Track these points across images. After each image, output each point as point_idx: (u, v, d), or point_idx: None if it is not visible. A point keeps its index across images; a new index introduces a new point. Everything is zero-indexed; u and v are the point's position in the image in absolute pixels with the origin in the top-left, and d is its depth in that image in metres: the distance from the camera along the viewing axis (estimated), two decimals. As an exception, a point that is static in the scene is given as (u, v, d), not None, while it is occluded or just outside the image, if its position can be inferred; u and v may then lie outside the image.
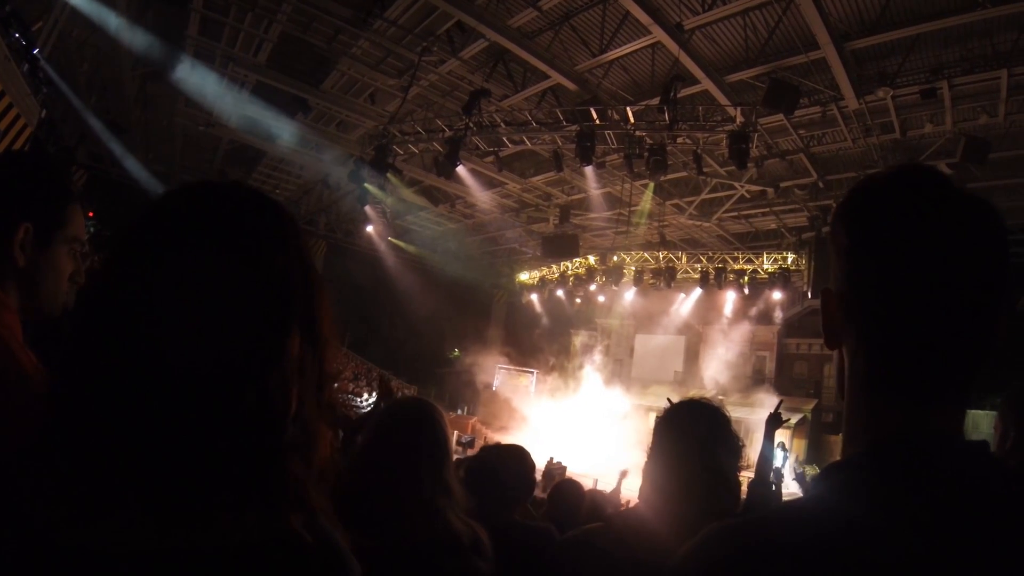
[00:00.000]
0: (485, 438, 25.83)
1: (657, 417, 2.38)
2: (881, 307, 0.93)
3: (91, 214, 17.09)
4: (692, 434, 2.25)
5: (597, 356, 34.99)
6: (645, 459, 2.34)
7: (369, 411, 7.15)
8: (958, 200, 0.95)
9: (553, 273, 28.23)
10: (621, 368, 33.80)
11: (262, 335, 0.94)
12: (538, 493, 7.53)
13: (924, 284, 0.91)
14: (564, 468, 15.72)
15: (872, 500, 0.86)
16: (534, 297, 31.20)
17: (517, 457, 3.52)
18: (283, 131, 18.84)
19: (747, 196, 20.19)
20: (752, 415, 22.94)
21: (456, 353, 36.06)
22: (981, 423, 16.86)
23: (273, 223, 1.02)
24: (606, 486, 12.88)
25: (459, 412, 32.32)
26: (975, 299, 0.92)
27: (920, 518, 0.82)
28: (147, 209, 0.99)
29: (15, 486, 0.87)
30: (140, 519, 0.85)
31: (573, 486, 5.48)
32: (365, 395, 25.66)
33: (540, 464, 17.58)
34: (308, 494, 0.97)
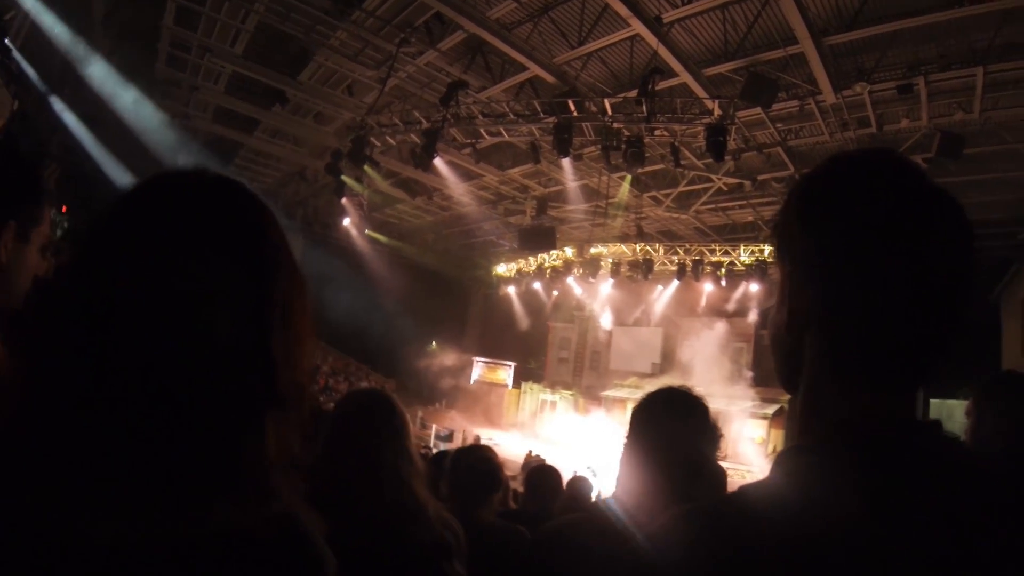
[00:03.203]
0: (464, 431, 25.88)
1: (634, 407, 2.38)
2: (842, 295, 0.93)
3: (64, 209, 16.93)
4: (669, 423, 2.25)
5: (574, 349, 35.17)
6: (622, 448, 2.34)
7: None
8: (921, 185, 0.95)
9: (530, 266, 28.20)
10: (599, 360, 33.90)
11: (233, 324, 0.93)
12: (517, 486, 7.54)
13: (889, 273, 0.91)
14: (543, 460, 15.78)
15: (829, 481, 0.87)
16: (511, 290, 31.14)
17: (486, 458, 3.61)
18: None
19: (724, 189, 20.25)
20: (731, 406, 23.16)
21: (434, 346, 36.06)
22: (956, 412, 17.05)
23: (241, 210, 1.02)
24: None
25: (437, 405, 32.35)
26: (942, 288, 0.92)
27: (877, 498, 0.83)
28: (117, 200, 0.98)
29: None
30: (111, 511, 0.84)
31: (549, 472, 5.51)
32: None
33: (519, 457, 17.70)
34: (280, 484, 0.96)
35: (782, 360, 1.06)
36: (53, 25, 14.02)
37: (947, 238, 0.93)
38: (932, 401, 18.38)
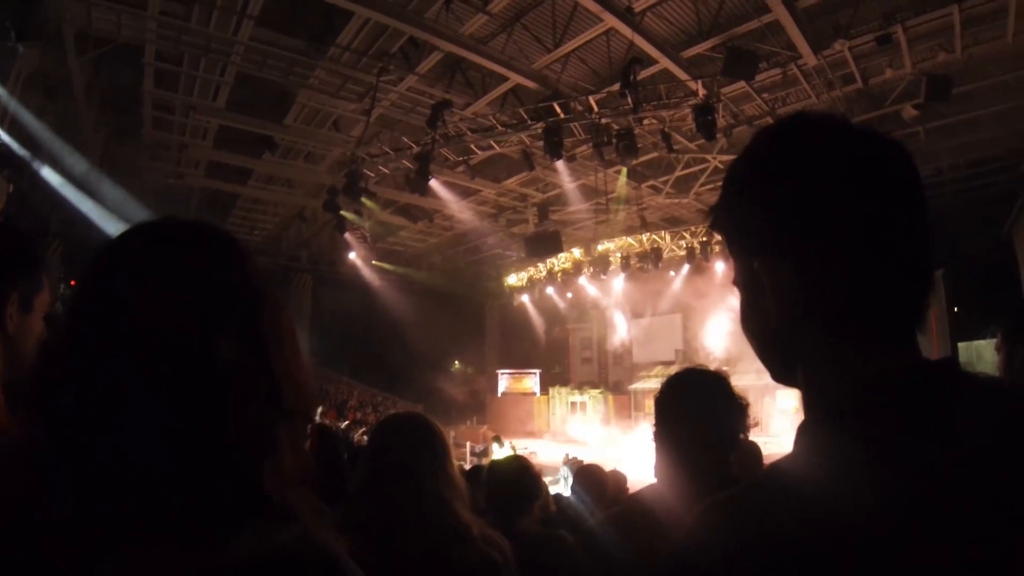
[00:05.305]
0: (503, 443, 25.85)
1: (655, 397, 2.38)
2: (830, 274, 0.92)
3: (72, 283, 17.02)
4: (691, 404, 2.26)
5: (596, 347, 35.08)
6: (653, 439, 2.34)
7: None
8: (858, 139, 0.97)
9: (540, 272, 28.21)
10: (622, 355, 33.79)
11: (235, 352, 0.96)
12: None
13: (867, 237, 0.91)
14: (581, 462, 15.77)
15: (854, 445, 0.85)
16: (525, 298, 31.13)
17: (522, 467, 3.60)
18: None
19: (721, 167, 20.14)
20: (759, 380, 22.94)
21: (456, 366, 36.05)
22: (984, 352, 16.87)
23: (220, 247, 1.06)
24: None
25: (468, 424, 32.27)
26: (912, 233, 0.93)
27: (905, 452, 0.82)
28: (99, 256, 1.02)
29: (16, 534, 0.86)
30: (135, 551, 0.85)
31: (592, 470, 5.54)
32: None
33: (557, 463, 17.68)
34: (298, 502, 0.98)
35: (780, 356, 1.04)
36: (36, 107, 14.15)
37: (902, 179, 0.94)
38: (960, 344, 18.25)
